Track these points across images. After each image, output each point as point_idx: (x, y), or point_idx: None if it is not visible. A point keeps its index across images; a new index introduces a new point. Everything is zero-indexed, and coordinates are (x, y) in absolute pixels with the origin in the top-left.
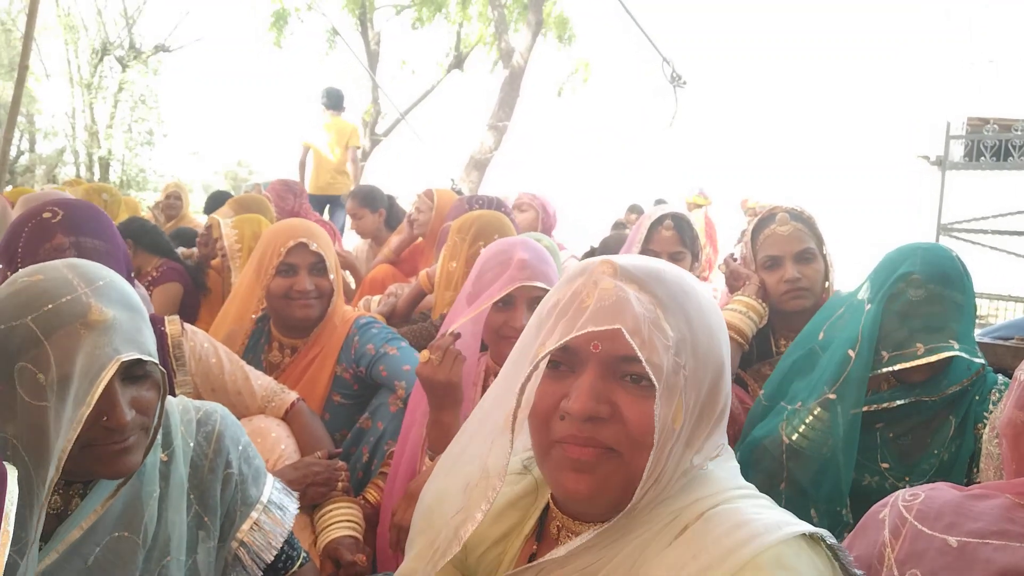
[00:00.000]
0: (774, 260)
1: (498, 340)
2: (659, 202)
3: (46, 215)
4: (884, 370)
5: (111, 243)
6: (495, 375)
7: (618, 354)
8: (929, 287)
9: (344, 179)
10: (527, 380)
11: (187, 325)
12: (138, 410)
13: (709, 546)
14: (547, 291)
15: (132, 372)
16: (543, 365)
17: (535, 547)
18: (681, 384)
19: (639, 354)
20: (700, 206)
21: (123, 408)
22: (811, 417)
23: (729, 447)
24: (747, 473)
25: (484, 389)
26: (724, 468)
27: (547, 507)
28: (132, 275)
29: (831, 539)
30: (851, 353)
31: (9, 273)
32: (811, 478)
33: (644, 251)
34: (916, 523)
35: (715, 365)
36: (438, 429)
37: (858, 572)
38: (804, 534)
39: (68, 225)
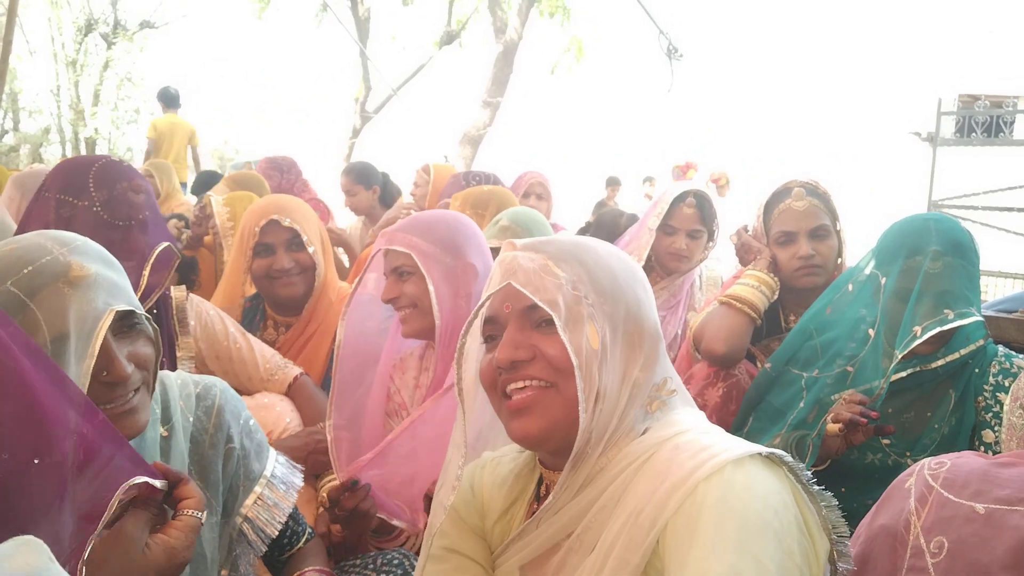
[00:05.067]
0: (788, 236)
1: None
2: (647, 180)
3: (114, 158)
4: (918, 342)
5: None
6: (431, 347)
7: (524, 306)
8: (946, 259)
9: (183, 170)
10: (460, 355)
11: (193, 295)
12: (136, 364)
13: (674, 470)
14: (404, 253)
15: (124, 326)
16: (469, 340)
17: (536, 507)
18: (586, 312)
19: (532, 297)
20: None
21: (121, 361)
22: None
23: (686, 390)
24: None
25: (435, 374)
26: (692, 414)
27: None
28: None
29: (788, 459)
30: (871, 332)
31: (72, 201)
32: None
33: (663, 225)
34: (943, 491)
35: (626, 301)
36: None
37: (817, 488)
38: (761, 454)
39: (140, 175)
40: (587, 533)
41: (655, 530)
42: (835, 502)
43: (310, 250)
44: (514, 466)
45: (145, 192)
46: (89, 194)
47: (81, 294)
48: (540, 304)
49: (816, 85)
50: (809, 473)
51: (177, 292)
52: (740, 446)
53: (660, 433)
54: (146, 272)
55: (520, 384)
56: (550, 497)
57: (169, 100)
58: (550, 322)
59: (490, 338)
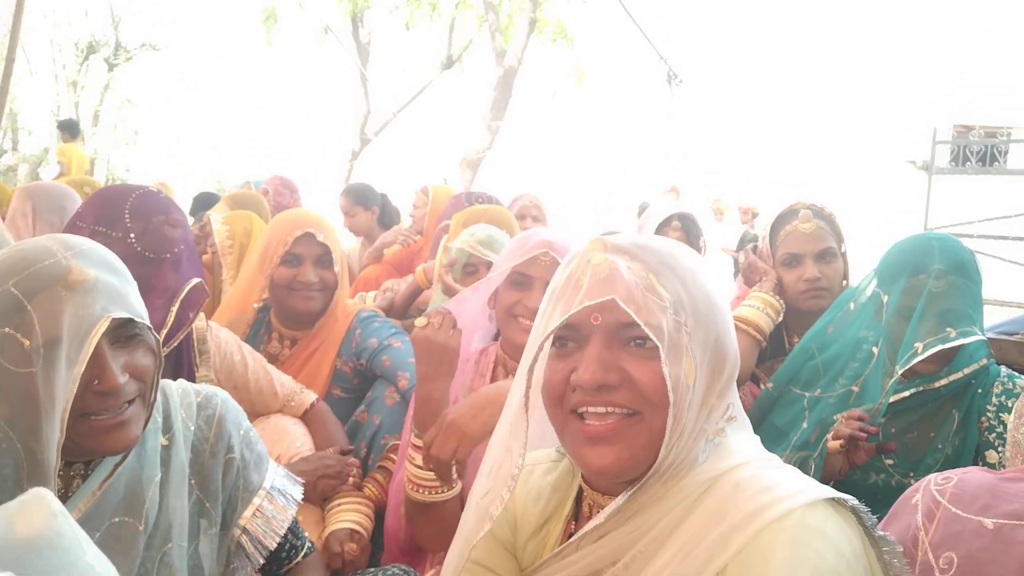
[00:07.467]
0: (794, 258)
1: (508, 320)
2: (642, 208)
3: (152, 188)
4: (919, 358)
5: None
6: (504, 366)
7: (619, 322)
8: (950, 278)
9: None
10: (534, 361)
11: (211, 322)
12: (132, 375)
13: (736, 509)
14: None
15: (122, 335)
16: (547, 346)
17: (573, 527)
18: (686, 341)
19: (636, 319)
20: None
21: (114, 370)
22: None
23: (745, 415)
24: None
25: (493, 379)
26: (748, 440)
27: (581, 488)
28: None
29: (854, 502)
30: (875, 350)
31: (106, 232)
32: None
33: None
34: (950, 506)
35: (717, 325)
36: (428, 404)
37: (882, 533)
38: (830, 498)
39: (178, 208)
40: (634, 563)
41: (711, 569)
42: (899, 549)
43: (336, 269)
44: (550, 479)
45: (182, 227)
46: (124, 224)
47: (78, 298)
48: (645, 330)
49: (814, 114)
50: (875, 519)
51: (197, 322)
52: (808, 489)
53: (718, 464)
54: (174, 309)
55: (601, 409)
56: (596, 519)
57: (73, 131)
58: (641, 341)
59: (561, 342)
